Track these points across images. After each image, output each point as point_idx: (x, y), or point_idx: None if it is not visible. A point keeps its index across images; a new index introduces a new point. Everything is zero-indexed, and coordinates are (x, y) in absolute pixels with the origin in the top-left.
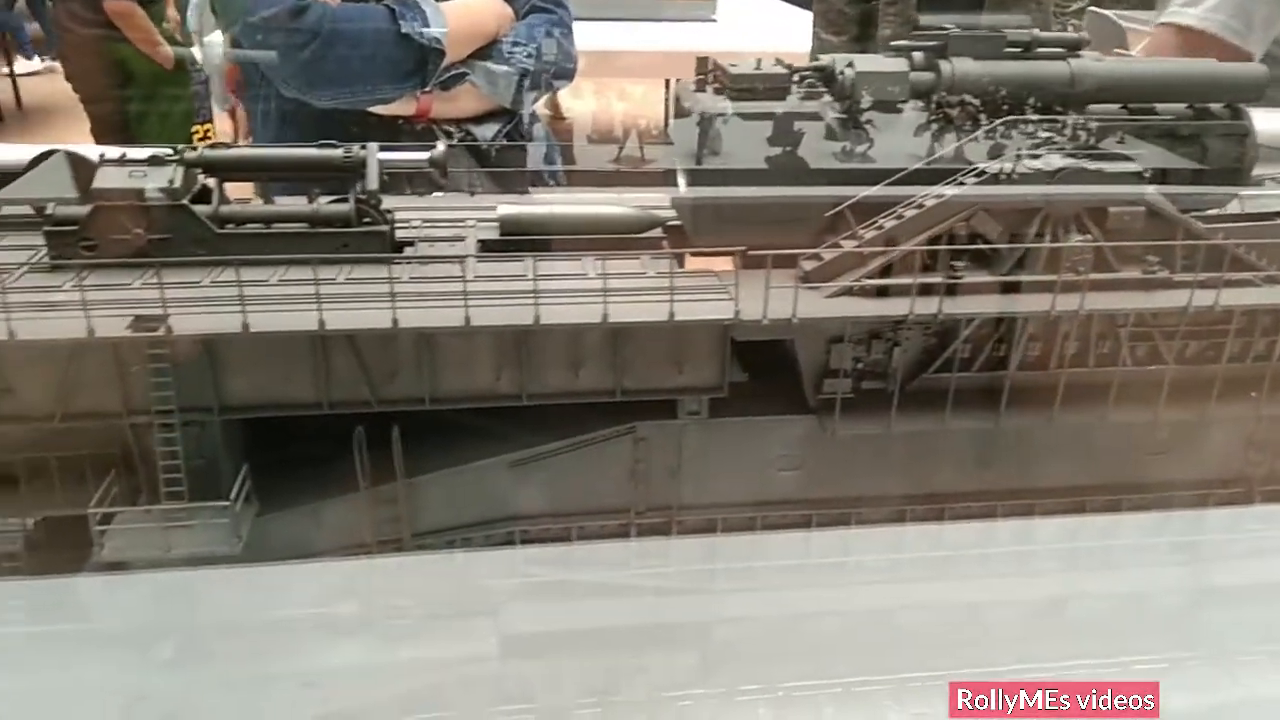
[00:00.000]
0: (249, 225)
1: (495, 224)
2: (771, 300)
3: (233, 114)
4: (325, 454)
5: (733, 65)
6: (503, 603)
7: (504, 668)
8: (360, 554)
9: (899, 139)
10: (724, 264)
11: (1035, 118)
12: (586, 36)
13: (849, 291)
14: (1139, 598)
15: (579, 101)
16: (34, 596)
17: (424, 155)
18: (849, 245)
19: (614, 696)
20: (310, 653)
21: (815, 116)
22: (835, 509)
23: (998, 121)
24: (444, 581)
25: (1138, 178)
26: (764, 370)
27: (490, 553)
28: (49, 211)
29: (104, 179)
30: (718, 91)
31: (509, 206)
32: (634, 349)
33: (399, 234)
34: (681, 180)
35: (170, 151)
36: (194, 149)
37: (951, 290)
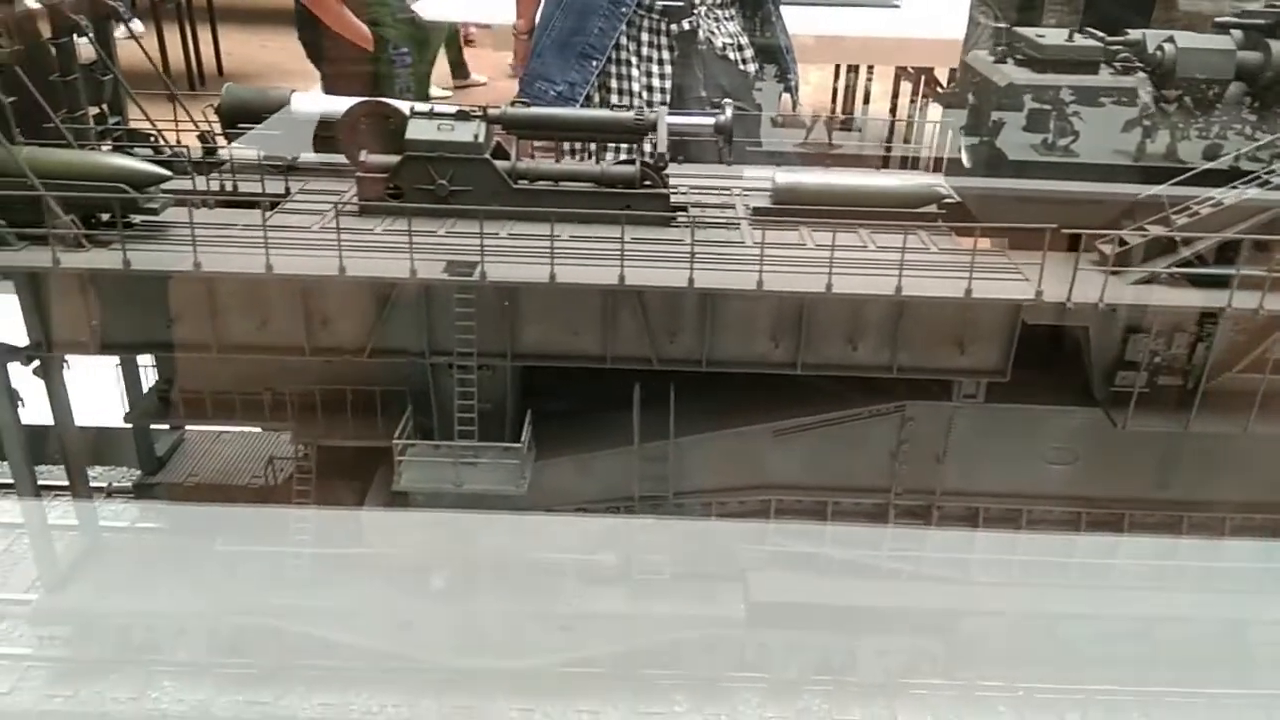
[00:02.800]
0: (540, 182)
1: (767, 192)
2: (1063, 283)
3: None
4: (596, 407)
5: (1039, 35)
6: (752, 570)
7: (746, 634)
8: (623, 507)
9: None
10: (981, 242)
11: None
12: None
13: (1154, 279)
14: None
15: None
16: (321, 523)
17: (708, 121)
18: (1155, 231)
19: (850, 677)
20: (569, 598)
21: (1130, 93)
22: (1108, 509)
23: None
24: (698, 544)
25: None
26: (1034, 357)
27: (744, 522)
28: (362, 159)
29: (414, 130)
30: (1020, 63)
31: (785, 175)
32: (915, 325)
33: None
34: (966, 156)
35: (475, 108)
36: (496, 107)
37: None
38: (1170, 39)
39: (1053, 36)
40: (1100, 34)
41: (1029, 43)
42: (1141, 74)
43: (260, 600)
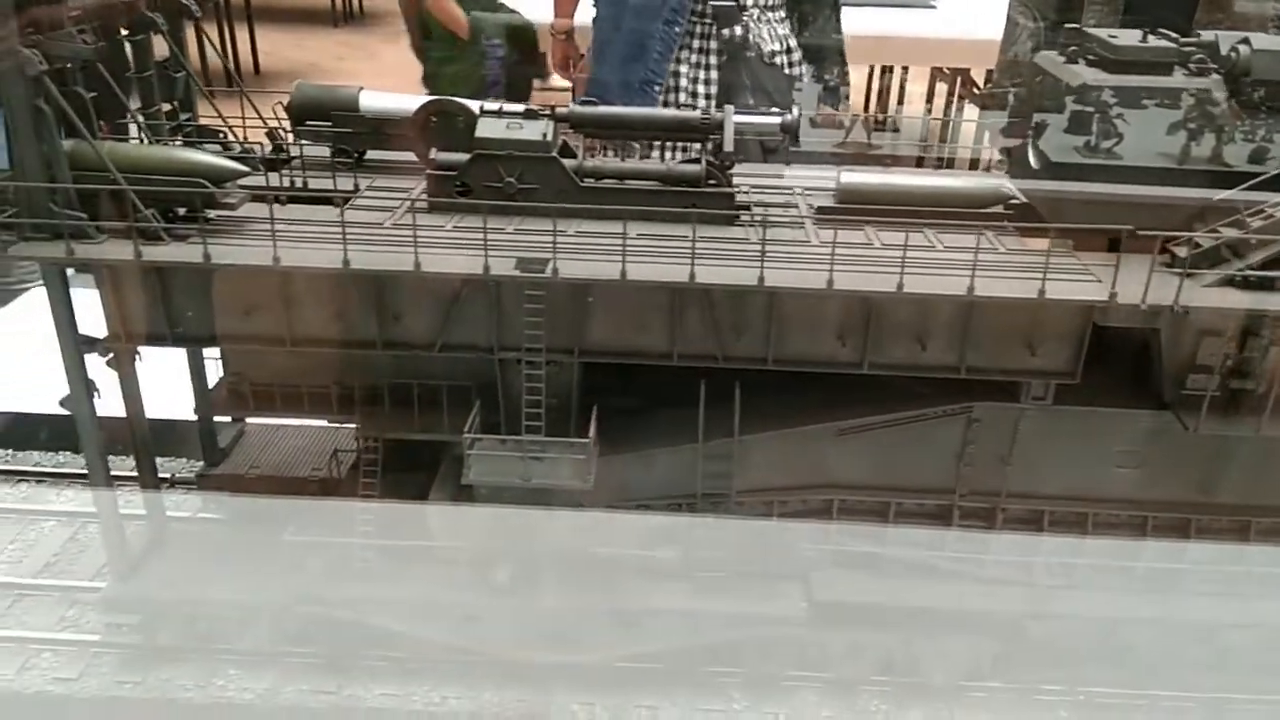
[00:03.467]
0: (606, 180)
1: (830, 191)
2: (1133, 285)
3: None
4: (657, 403)
5: (1112, 35)
6: (814, 570)
7: (806, 634)
8: (684, 504)
9: None
10: (1041, 242)
11: None
12: None
13: (1230, 282)
14: None
15: None
16: (385, 516)
17: (773, 120)
18: (1228, 234)
19: (909, 677)
20: (630, 594)
21: (1205, 95)
22: (1175, 513)
23: None
24: (760, 542)
25: None
26: (1100, 359)
27: (807, 521)
28: (432, 156)
29: (484, 129)
30: (1092, 64)
31: (850, 174)
32: (985, 326)
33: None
34: (1033, 157)
35: (543, 107)
36: (564, 107)
37: None
38: (1245, 40)
39: (1125, 37)
40: (1173, 35)
41: (1101, 43)
42: (1215, 76)
43: (325, 591)
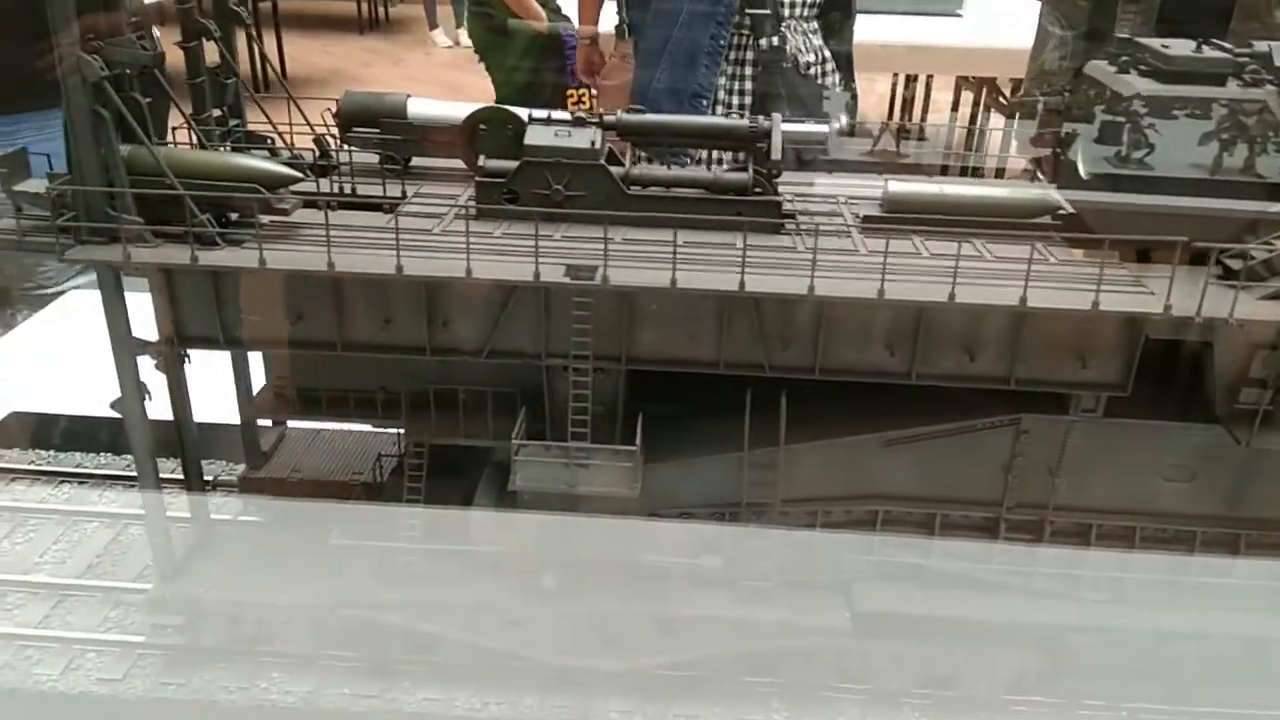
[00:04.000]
0: (652, 188)
1: (875, 200)
2: (1182, 297)
3: None
4: (698, 411)
5: (1164, 45)
6: (857, 581)
7: (849, 644)
8: (728, 514)
9: None
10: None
11: None
12: None
13: None
14: None
15: None
16: (431, 521)
17: (821, 129)
18: None
19: (951, 690)
20: (673, 601)
21: (1263, 106)
22: (1225, 528)
23: None
24: (804, 552)
25: None
26: (1148, 371)
27: (851, 532)
28: (480, 163)
29: (533, 136)
30: (1145, 74)
31: (898, 184)
32: (1036, 337)
33: None
34: (1083, 167)
35: (590, 114)
36: (613, 114)
37: None
38: None
39: (1178, 47)
40: (1227, 45)
41: (1154, 53)
42: (1270, 86)
43: (369, 594)
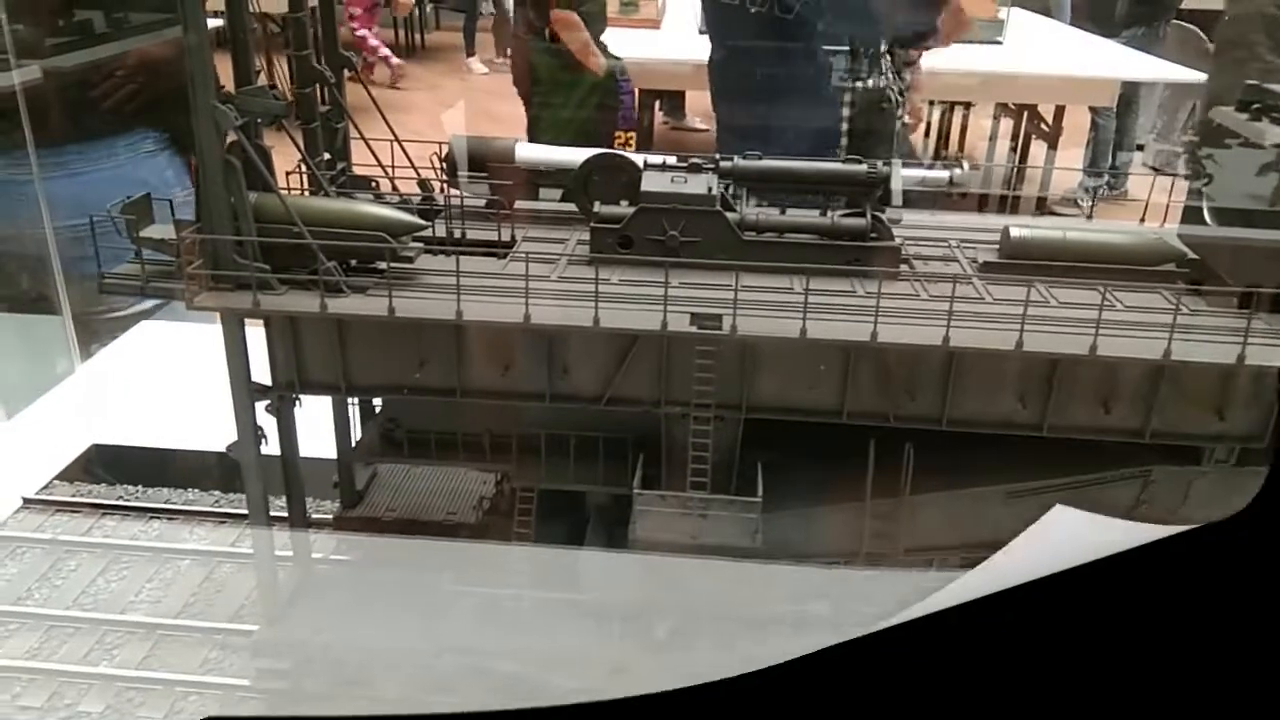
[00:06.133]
0: (767, 234)
1: (991, 245)
2: None
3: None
4: (813, 460)
5: None
6: None
7: None
8: (845, 563)
9: None
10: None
11: None
12: None
13: None
14: None
15: None
16: (539, 562)
17: (942, 174)
18: None
19: None
20: (784, 651)
21: None
22: None
23: None
24: (914, 596)
25: None
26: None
27: (964, 572)
28: (595, 209)
29: (649, 183)
30: (1276, 121)
31: (1019, 228)
32: (1173, 389)
33: None
34: (1208, 214)
35: (705, 160)
36: (717, 160)
37: None
38: None
39: None
40: None
41: None
42: None
43: (474, 639)
